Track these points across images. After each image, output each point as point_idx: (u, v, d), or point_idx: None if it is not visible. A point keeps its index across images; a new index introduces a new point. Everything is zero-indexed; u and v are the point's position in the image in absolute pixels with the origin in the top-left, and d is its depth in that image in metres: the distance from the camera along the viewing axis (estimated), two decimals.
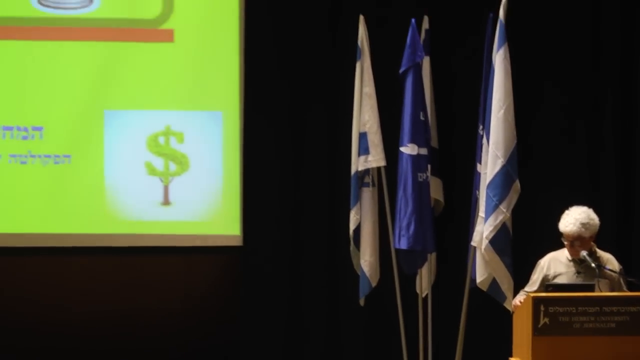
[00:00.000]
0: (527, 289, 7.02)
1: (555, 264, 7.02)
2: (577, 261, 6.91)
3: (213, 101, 8.67)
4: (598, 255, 6.95)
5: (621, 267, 7.02)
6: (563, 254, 7.00)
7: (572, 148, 8.69)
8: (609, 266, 6.92)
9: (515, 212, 7.49)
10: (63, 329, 8.51)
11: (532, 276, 7.10)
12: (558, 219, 6.99)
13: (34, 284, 8.57)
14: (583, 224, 6.86)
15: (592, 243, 6.94)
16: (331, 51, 8.51)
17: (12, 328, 8.49)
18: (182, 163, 8.54)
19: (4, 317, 8.51)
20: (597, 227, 6.94)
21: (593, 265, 6.80)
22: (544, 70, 8.61)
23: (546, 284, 6.88)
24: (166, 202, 8.54)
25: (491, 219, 7.40)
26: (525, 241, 7.85)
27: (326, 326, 8.52)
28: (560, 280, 6.92)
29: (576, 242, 6.89)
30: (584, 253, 6.82)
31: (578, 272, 6.91)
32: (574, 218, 6.89)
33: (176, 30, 8.56)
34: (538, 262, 7.11)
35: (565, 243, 6.95)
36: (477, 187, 7.69)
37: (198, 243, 8.59)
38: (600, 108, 8.74)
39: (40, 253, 8.52)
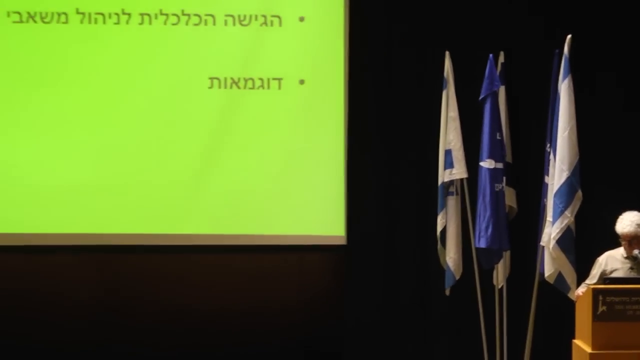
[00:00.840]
0: (587, 281, 7.18)
1: (612, 261, 7.15)
2: (631, 258, 7.04)
3: (323, 130, 8.60)
4: None
5: None
6: (618, 252, 7.13)
7: (626, 160, 8.58)
8: None
9: (578, 216, 7.56)
10: (191, 321, 8.59)
11: (591, 271, 7.23)
12: (613, 224, 7.11)
13: (170, 278, 8.59)
14: (638, 225, 7.01)
15: None
16: (422, 82, 8.50)
17: (148, 321, 8.58)
18: None
19: (145, 309, 8.59)
20: None
21: None
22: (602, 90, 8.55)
23: (604, 278, 7.00)
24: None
25: (558, 223, 7.52)
26: (585, 241, 7.77)
27: (418, 311, 8.53)
28: (616, 274, 7.05)
29: (633, 240, 7.00)
30: (636, 252, 6.97)
31: (631, 268, 7.06)
32: (630, 220, 7.03)
33: (284, 79, 8.54)
34: (597, 260, 7.23)
35: (623, 243, 7.05)
36: (545, 196, 7.78)
37: (304, 242, 8.58)
38: None
39: (172, 251, 8.56)
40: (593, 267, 7.26)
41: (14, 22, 8.35)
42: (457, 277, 8.04)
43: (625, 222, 7.06)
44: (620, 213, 7.17)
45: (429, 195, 8.26)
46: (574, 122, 7.56)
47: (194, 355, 8.60)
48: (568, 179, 7.53)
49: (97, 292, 8.57)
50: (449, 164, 8.00)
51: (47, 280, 8.53)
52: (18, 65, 8.39)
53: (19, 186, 8.40)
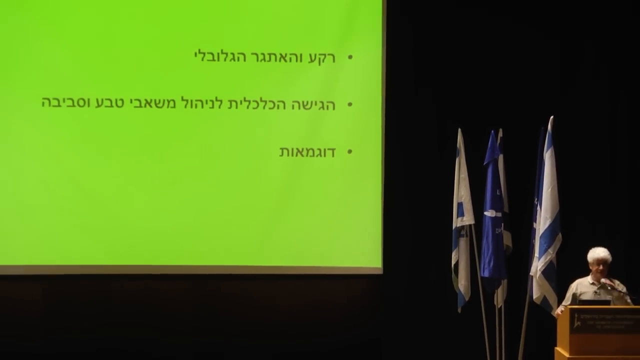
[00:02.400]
0: (564, 303, 7.27)
1: (581, 287, 7.27)
2: (596, 284, 7.19)
3: (365, 188, 8.54)
4: (611, 280, 7.17)
5: (625, 288, 7.17)
6: (586, 280, 7.25)
7: (597, 211, 8.53)
8: (618, 288, 7.11)
9: (558, 253, 7.66)
10: (271, 327, 8.60)
11: (566, 294, 7.33)
12: (584, 259, 7.29)
13: (248, 299, 8.62)
14: (607, 253, 7.18)
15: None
16: (440, 152, 8.55)
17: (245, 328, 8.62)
18: None
19: (245, 324, 8.59)
20: (611, 261, 7.21)
21: (609, 288, 7.11)
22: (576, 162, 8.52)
23: (579, 300, 7.12)
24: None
25: (543, 258, 7.59)
26: (563, 272, 7.72)
27: (438, 323, 8.48)
28: (584, 297, 7.15)
29: (603, 265, 7.11)
30: (602, 280, 7.13)
31: (595, 292, 7.19)
32: (600, 249, 7.19)
33: (336, 149, 8.58)
34: (570, 286, 7.33)
35: (593, 268, 7.15)
36: (533, 238, 7.83)
37: (351, 272, 8.56)
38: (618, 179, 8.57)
39: (248, 278, 8.53)
40: (567, 292, 7.35)
41: (135, 107, 8.44)
42: (467, 299, 8.06)
43: (598, 251, 7.21)
44: (588, 249, 7.34)
45: (445, 237, 8.22)
46: (555, 182, 7.65)
47: (277, 347, 8.58)
48: (550, 225, 7.61)
49: (197, 309, 8.61)
50: (461, 213, 8.04)
51: (160, 302, 8.58)
52: (137, 138, 8.46)
53: (140, 227, 8.43)
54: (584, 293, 7.25)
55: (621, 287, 7.20)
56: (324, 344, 8.61)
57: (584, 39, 8.57)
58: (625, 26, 8.57)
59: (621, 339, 6.74)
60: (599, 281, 7.20)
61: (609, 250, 7.31)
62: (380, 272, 8.63)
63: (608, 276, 7.25)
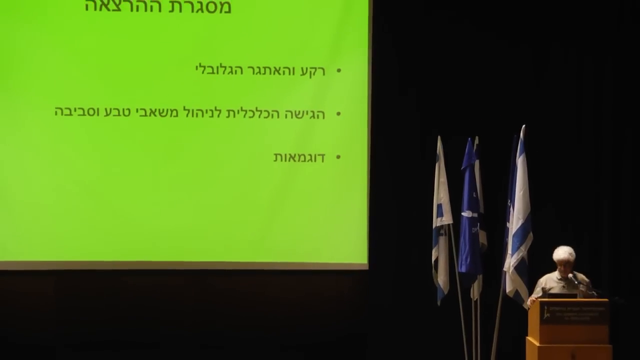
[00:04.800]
0: (533, 296, 7.28)
1: (550, 281, 7.32)
2: (564, 279, 7.25)
3: (352, 191, 8.54)
4: (575, 275, 7.27)
5: (589, 282, 7.28)
6: (554, 275, 7.32)
7: (569, 213, 8.52)
8: (580, 281, 7.18)
9: (529, 250, 7.72)
10: (264, 320, 8.57)
11: (535, 288, 7.38)
12: (550, 256, 7.39)
13: (245, 293, 8.56)
14: (570, 253, 7.23)
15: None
16: (422, 158, 8.52)
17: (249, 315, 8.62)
18: None
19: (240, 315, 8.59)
20: (575, 258, 7.29)
21: (576, 282, 7.18)
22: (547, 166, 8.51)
23: (547, 293, 7.18)
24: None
25: (515, 255, 7.65)
26: (533, 267, 7.74)
27: (419, 315, 8.47)
28: (552, 291, 7.24)
29: (566, 264, 7.19)
30: (570, 275, 7.22)
31: (563, 286, 7.25)
32: (563, 250, 7.25)
33: (326, 154, 8.57)
34: (538, 281, 7.40)
35: (559, 267, 7.26)
36: (507, 236, 7.89)
37: (339, 267, 8.53)
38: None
39: (246, 274, 8.49)
40: (536, 286, 7.39)
41: (141, 116, 8.44)
42: (445, 293, 8.06)
43: (560, 251, 7.26)
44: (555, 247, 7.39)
45: (426, 236, 8.22)
46: (527, 185, 7.69)
47: (270, 339, 8.57)
48: (522, 225, 7.64)
49: (197, 302, 8.59)
50: (440, 214, 8.05)
51: (162, 295, 8.56)
52: (142, 145, 8.47)
53: (144, 227, 8.43)
54: (552, 288, 7.29)
55: (585, 281, 7.26)
56: (313, 336, 8.60)
57: (553, 50, 8.56)
58: (595, 35, 8.56)
59: (587, 329, 6.82)
60: (565, 277, 7.26)
61: (575, 247, 7.36)
62: (366, 267, 8.60)
63: (573, 271, 7.32)
